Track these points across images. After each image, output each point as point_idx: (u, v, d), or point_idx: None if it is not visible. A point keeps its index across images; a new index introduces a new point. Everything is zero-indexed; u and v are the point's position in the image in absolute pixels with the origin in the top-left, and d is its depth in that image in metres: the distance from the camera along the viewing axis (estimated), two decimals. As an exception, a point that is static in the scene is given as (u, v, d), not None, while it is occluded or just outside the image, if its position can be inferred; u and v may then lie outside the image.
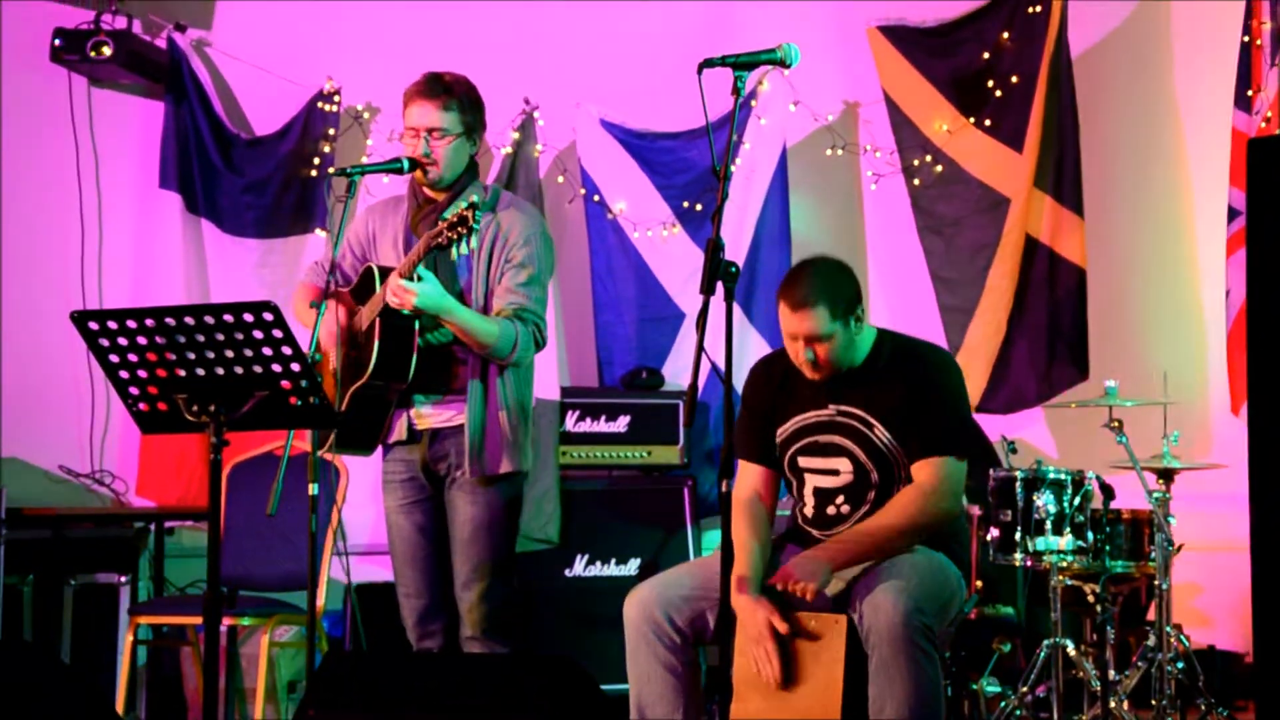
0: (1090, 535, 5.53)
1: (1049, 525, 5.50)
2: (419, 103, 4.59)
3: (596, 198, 7.25)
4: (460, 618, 4.64)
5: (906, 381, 4.27)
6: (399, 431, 4.68)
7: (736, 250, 7.13)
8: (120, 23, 6.92)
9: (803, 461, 4.38)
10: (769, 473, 4.47)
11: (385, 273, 4.54)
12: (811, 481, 4.37)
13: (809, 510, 4.39)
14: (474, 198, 4.35)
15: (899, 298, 7.36)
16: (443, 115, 4.57)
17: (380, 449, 4.76)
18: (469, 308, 4.54)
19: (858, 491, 4.31)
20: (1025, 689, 5.56)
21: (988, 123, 7.18)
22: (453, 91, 4.59)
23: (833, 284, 4.24)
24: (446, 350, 4.58)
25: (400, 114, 4.68)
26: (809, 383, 4.35)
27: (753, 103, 7.25)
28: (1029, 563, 5.53)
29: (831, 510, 4.34)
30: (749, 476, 4.46)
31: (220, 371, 3.73)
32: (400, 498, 4.73)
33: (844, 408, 4.31)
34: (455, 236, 4.27)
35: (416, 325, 4.49)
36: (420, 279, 4.38)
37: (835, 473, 4.32)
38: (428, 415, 4.65)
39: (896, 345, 4.37)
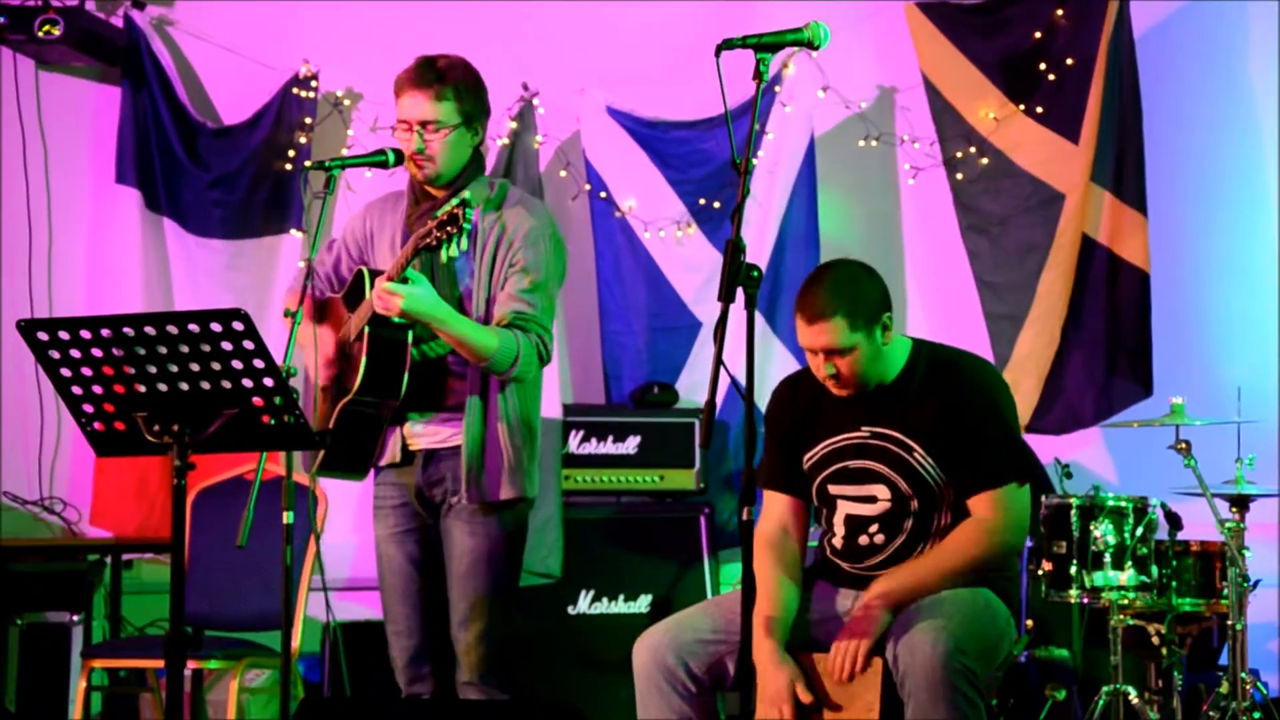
0: (1154, 569, 5.53)
1: (1108, 558, 5.50)
2: (410, 93, 4.59)
3: (603, 194, 7.27)
4: (456, 660, 4.64)
5: (947, 399, 4.27)
6: (391, 453, 4.68)
7: (758, 252, 7.14)
8: (72, -1, 6.95)
9: (834, 489, 4.38)
10: (798, 503, 4.48)
11: (376, 276, 4.55)
12: (844, 509, 4.37)
13: (838, 541, 4.39)
14: (466, 194, 4.35)
15: (940, 305, 7.37)
16: (437, 106, 4.57)
17: (371, 472, 4.77)
18: (469, 315, 4.55)
19: (894, 520, 4.31)
20: (1082, 741, 5.56)
21: (1039, 110, 7.19)
22: (446, 78, 4.58)
23: (851, 291, 4.24)
24: (442, 363, 4.59)
25: (383, 101, 4.69)
26: (839, 402, 4.35)
27: (777, 88, 7.26)
28: (1086, 600, 5.53)
29: (864, 540, 4.34)
30: (775, 508, 4.47)
31: (184, 387, 3.74)
32: (391, 526, 4.74)
33: (879, 429, 4.32)
34: (445, 237, 4.27)
35: (409, 336, 4.49)
36: (408, 282, 4.39)
37: (872, 499, 4.33)
38: (421, 435, 4.65)
39: (934, 357, 4.37)
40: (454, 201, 4.29)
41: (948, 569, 4.23)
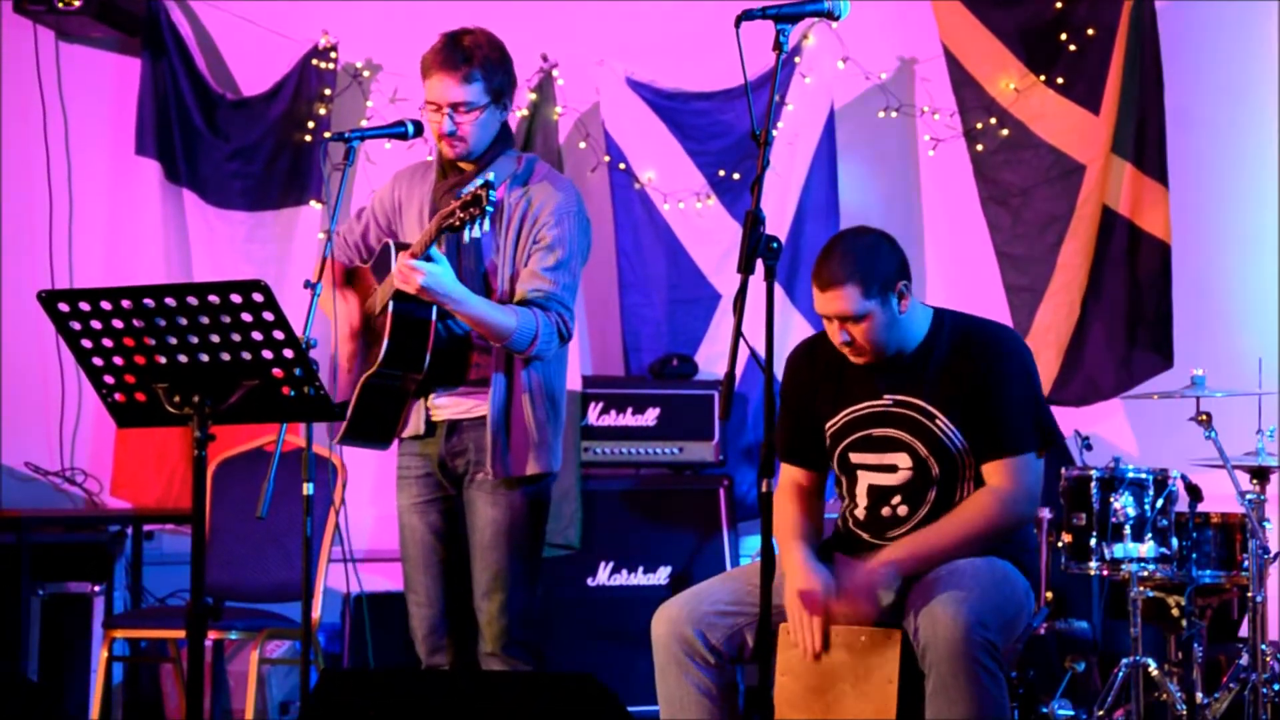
0: (1175, 541, 5.53)
1: (1128, 530, 5.50)
2: (438, 75, 4.56)
3: (622, 165, 7.26)
4: (478, 631, 4.65)
5: (970, 367, 4.26)
6: (414, 425, 4.69)
7: (778, 224, 7.14)
8: (92, -30, 6.94)
9: (855, 458, 4.38)
10: (812, 475, 4.49)
11: (403, 250, 4.55)
12: (865, 479, 4.37)
13: (860, 512, 4.39)
14: (490, 175, 4.34)
15: (960, 276, 7.36)
16: (466, 88, 4.54)
17: (395, 443, 4.78)
18: (494, 290, 4.55)
19: (917, 491, 4.30)
20: (1102, 713, 5.56)
21: (1060, 81, 7.17)
22: (474, 59, 4.55)
23: (866, 258, 4.23)
24: (466, 337, 4.59)
25: (402, 72, 4.68)
26: (860, 370, 4.35)
27: (796, 59, 7.25)
28: (1105, 572, 5.53)
29: (886, 511, 4.34)
30: (791, 473, 4.49)
31: (205, 358, 3.74)
32: (414, 496, 4.75)
33: (901, 397, 4.31)
34: (468, 218, 4.26)
35: (434, 311, 4.50)
36: (430, 260, 4.38)
37: (893, 469, 4.32)
38: (445, 406, 4.66)
39: (956, 326, 4.37)
40: (477, 182, 4.28)
41: (958, 537, 4.22)
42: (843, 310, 4.21)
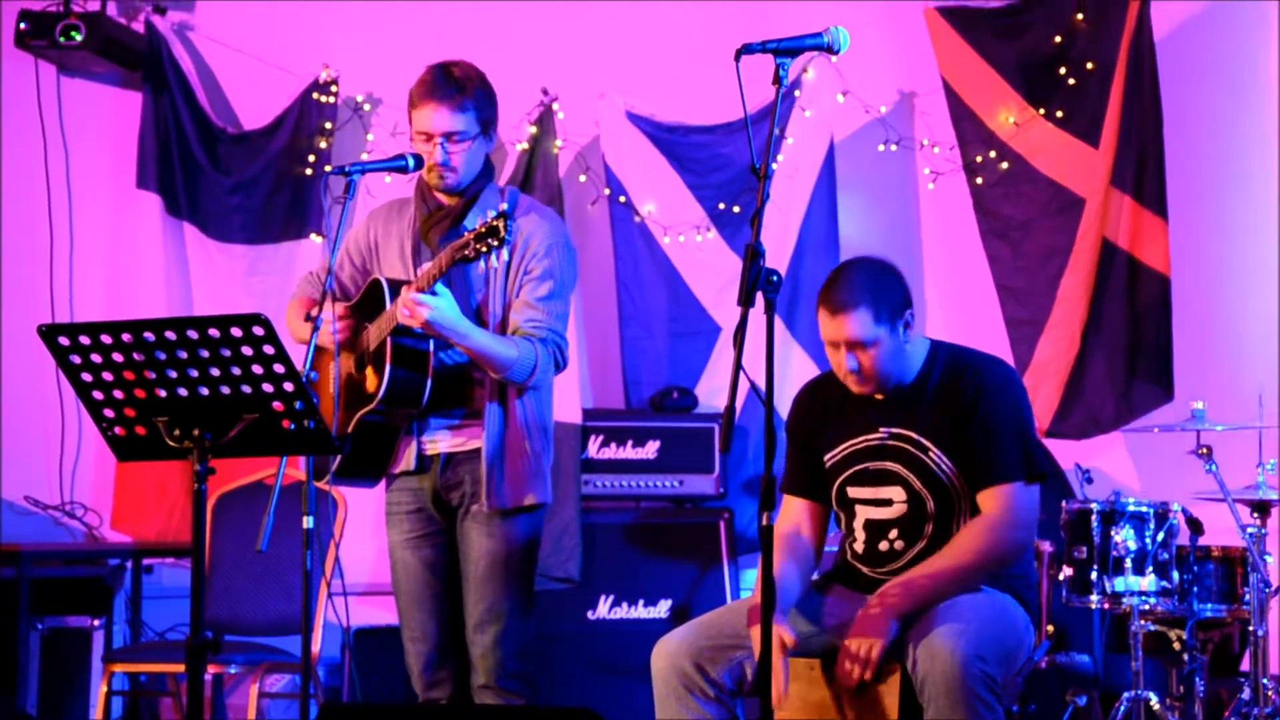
0: (1176, 575, 5.53)
1: (1129, 563, 5.50)
2: (430, 105, 4.57)
3: (622, 199, 7.27)
4: (472, 664, 4.65)
5: (959, 398, 4.27)
6: (406, 460, 4.68)
7: (778, 257, 7.15)
8: (93, 4, 6.97)
9: (852, 491, 4.38)
10: (815, 507, 4.48)
11: (395, 286, 4.54)
12: (862, 514, 4.37)
13: (859, 546, 4.39)
14: (504, 206, 4.33)
15: (960, 310, 7.36)
16: (458, 118, 4.56)
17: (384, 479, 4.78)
18: (486, 324, 4.56)
19: (912, 524, 4.30)
20: (1102, 747, 5.55)
21: (1059, 114, 7.18)
22: (465, 89, 4.57)
23: (877, 285, 4.24)
24: (461, 370, 4.59)
25: (403, 106, 4.69)
26: (858, 405, 4.36)
27: (796, 93, 7.27)
28: (1106, 605, 5.53)
29: (884, 546, 4.34)
30: (792, 511, 4.47)
31: (205, 392, 3.75)
32: (406, 531, 4.74)
33: (895, 430, 4.32)
34: (485, 249, 4.26)
35: (431, 345, 4.50)
36: (436, 294, 4.39)
37: (888, 503, 4.32)
38: (439, 439, 4.66)
39: (950, 357, 4.37)
40: (492, 213, 4.28)
41: (952, 569, 4.19)
42: (854, 335, 4.22)
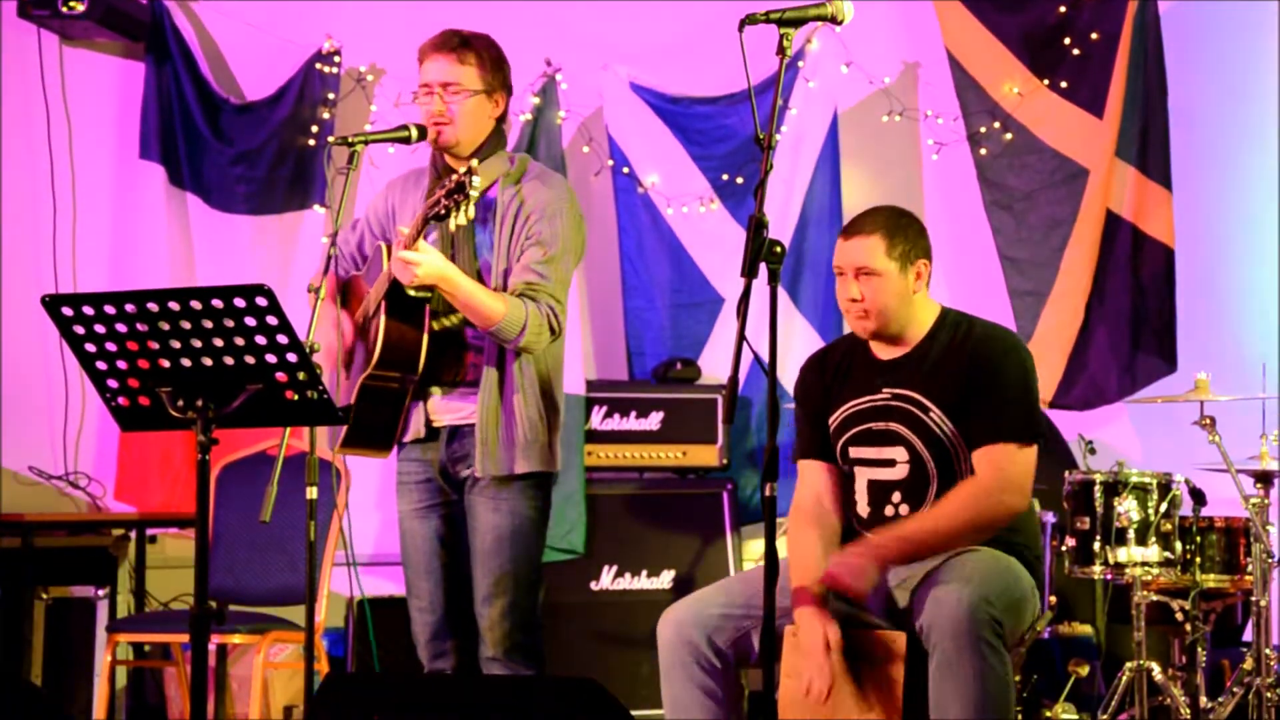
0: (1178, 545, 5.53)
1: (1132, 534, 5.50)
2: (433, 56, 4.61)
3: (626, 170, 7.26)
4: (479, 635, 4.65)
5: (965, 361, 4.26)
6: (415, 429, 4.68)
7: (782, 228, 7.15)
8: (96, -26, 6.95)
9: (854, 451, 4.37)
10: (832, 469, 4.45)
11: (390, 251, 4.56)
12: (865, 475, 4.36)
13: (863, 510, 4.37)
14: (473, 162, 4.36)
15: (964, 280, 7.36)
16: (459, 69, 4.58)
17: (395, 448, 4.78)
18: (488, 288, 4.55)
19: (916, 487, 4.28)
20: (1105, 717, 5.55)
21: (1064, 85, 7.17)
22: (471, 45, 4.61)
23: (896, 224, 4.31)
24: (459, 336, 4.59)
25: (406, 76, 4.69)
26: (863, 368, 4.36)
27: (800, 63, 7.26)
28: (1109, 576, 5.53)
29: (889, 511, 4.32)
30: (811, 477, 4.45)
31: (208, 362, 3.74)
32: (415, 501, 4.74)
33: (898, 390, 4.31)
34: (452, 205, 4.27)
35: (425, 307, 4.50)
36: (419, 250, 4.40)
37: (891, 463, 4.31)
38: (445, 410, 4.66)
39: (958, 323, 4.37)
40: (463, 170, 4.29)
41: (940, 527, 4.17)
42: (862, 261, 4.24)
